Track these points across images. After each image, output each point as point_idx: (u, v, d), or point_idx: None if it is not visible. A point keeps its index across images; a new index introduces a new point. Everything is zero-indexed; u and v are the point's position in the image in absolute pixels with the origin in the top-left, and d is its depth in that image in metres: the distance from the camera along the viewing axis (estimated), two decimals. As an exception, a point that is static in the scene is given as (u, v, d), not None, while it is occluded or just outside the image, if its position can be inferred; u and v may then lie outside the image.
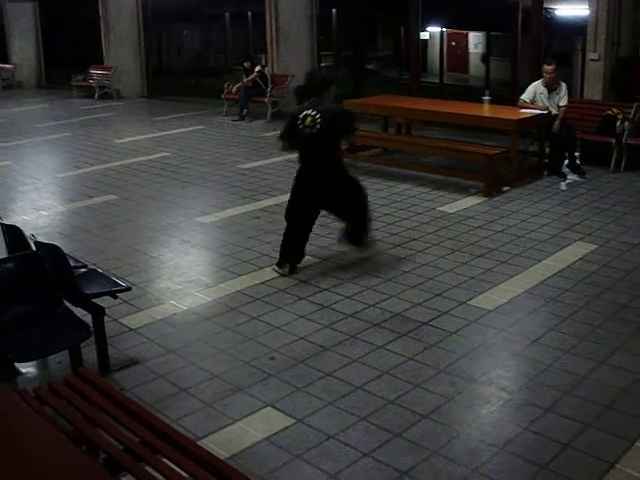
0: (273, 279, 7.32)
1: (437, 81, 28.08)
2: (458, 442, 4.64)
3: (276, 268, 7.54)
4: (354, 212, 7.73)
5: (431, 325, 6.26)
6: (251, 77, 17.36)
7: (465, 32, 30.09)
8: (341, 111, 8.19)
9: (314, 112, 7.25)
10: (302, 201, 7.56)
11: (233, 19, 31.22)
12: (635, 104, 12.13)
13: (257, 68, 17.52)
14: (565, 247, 8.09)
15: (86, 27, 26.36)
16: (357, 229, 7.79)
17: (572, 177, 11.20)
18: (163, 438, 3.65)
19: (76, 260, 6.39)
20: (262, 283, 7.23)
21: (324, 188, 7.44)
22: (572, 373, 5.46)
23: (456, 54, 30.78)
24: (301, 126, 7.32)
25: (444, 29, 29.85)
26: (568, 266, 7.53)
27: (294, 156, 12.44)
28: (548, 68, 11.49)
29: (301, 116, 7.34)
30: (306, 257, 7.75)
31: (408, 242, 8.34)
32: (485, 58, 26.94)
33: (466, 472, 4.35)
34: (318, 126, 7.23)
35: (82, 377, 4.29)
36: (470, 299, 6.76)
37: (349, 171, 7.86)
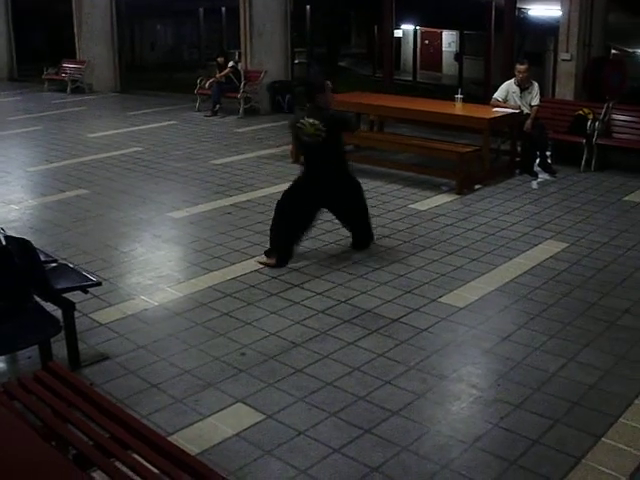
0: (244, 275, 7.31)
1: (410, 79, 28.16)
2: (428, 438, 4.66)
3: (263, 258, 7.61)
4: (356, 214, 8.04)
5: (402, 322, 6.28)
6: (224, 72, 17.32)
7: (439, 31, 30.22)
8: (341, 117, 8.09)
9: (313, 120, 7.35)
10: (303, 201, 7.63)
11: (207, 14, 31.13)
12: (606, 105, 12.25)
13: (230, 64, 17.49)
14: (536, 245, 8.15)
15: (59, 20, 26.16)
16: (363, 234, 8.09)
17: (543, 176, 11.27)
18: (133, 434, 3.64)
19: (46, 255, 6.36)
20: (233, 279, 7.22)
21: (328, 192, 7.65)
22: (542, 370, 5.50)
23: (430, 52, 30.91)
24: (301, 134, 7.53)
25: (418, 27, 29.96)
26: (539, 264, 7.58)
27: (266, 152, 12.57)
28: (520, 67, 11.56)
29: (298, 124, 7.50)
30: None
31: (379, 239, 8.35)
32: (458, 57, 27.07)
33: (436, 468, 4.37)
34: (323, 134, 7.34)
35: (52, 372, 4.26)
36: (441, 296, 6.79)
37: (352, 173, 8.04)
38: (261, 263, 7.57)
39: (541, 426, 4.78)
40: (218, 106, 17.35)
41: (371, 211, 9.09)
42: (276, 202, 7.81)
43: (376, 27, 26.42)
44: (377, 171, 11.48)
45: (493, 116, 11.08)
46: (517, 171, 11.45)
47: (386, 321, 6.29)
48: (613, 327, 6.26)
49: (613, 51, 27.51)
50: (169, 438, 4.27)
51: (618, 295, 6.94)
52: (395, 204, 9.77)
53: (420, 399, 5.11)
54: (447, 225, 8.81)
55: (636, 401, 5.10)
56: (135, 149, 13.45)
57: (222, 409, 4.98)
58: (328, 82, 7.89)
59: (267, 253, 7.62)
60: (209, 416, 4.90)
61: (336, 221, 8.23)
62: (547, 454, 4.50)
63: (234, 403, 5.05)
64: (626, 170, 11.90)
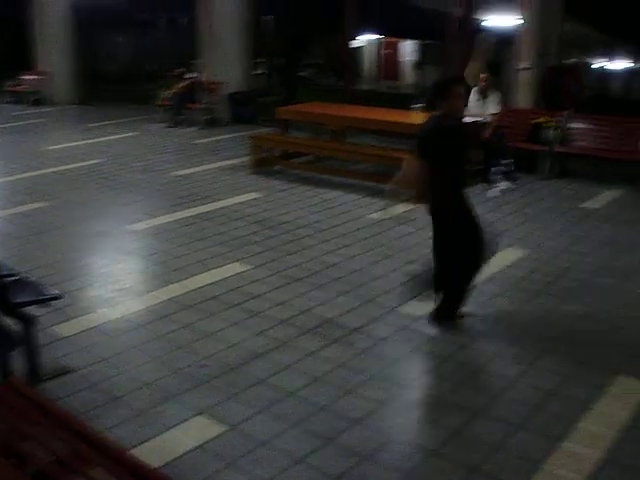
0: (205, 286, 7.30)
1: (372, 88, 28.23)
2: (390, 447, 4.68)
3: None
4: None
5: (362, 331, 6.30)
6: (185, 84, 17.30)
7: (400, 40, 30.34)
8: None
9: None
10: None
11: (168, 25, 31.00)
12: (564, 113, 12.41)
13: (191, 75, 17.47)
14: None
15: (19, 31, 25.92)
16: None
17: (503, 184, 11.36)
18: (95, 448, 3.62)
19: (5, 268, 6.30)
20: (194, 291, 7.21)
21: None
22: (502, 376, 5.56)
23: (391, 62, 31.01)
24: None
25: (380, 37, 30.05)
26: (499, 271, 7.64)
27: (226, 163, 12.56)
28: (482, 76, 11.68)
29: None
30: (236, 264, 7.81)
31: (340, 249, 8.38)
32: (419, 66, 27.21)
33: (397, 476, 4.39)
34: None
35: (11, 387, 4.22)
36: (400, 305, 6.82)
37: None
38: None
39: (502, 432, 4.83)
40: (179, 117, 17.31)
41: (331, 221, 9.19)
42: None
43: (336, 37, 26.49)
44: (338, 181, 11.52)
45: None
46: (477, 179, 11.52)
47: (346, 331, 6.31)
48: (572, 333, 6.36)
49: (570, 60, 27.84)
50: (131, 451, 4.27)
51: (577, 301, 7.04)
52: (355, 214, 9.81)
53: (381, 408, 5.13)
54: (407, 234, 8.85)
55: (594, 405, 5.17)
56: (95, 161, 13.37)
57: (184, 421, 4.97)
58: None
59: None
60: (171, 428, 4.89)
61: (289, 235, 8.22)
62: (508, 460, 4.54)
63: (196, 415, 5.04)
64: (584, 177, 12.07)
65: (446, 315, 6.45)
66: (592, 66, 31.26)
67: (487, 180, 11.47)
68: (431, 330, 6.31)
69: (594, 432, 4.86)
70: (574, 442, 4.73)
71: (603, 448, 4.68)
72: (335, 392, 5.31)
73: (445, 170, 6.26)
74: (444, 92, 6.25)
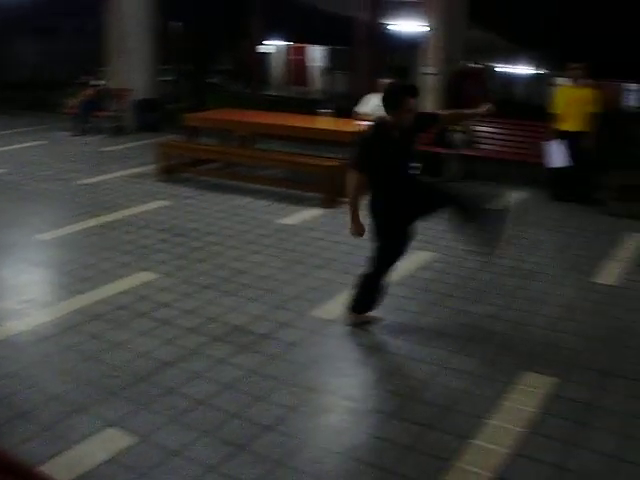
0: (112, 296, 7.18)
1: (281, 94, 28.29)
2: (303, 452, 4.67)
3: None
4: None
5: (272, 337, 6.28)
6: (91, 91, 17.06)
7: (308, 46, 30.49)
8: None
9: None
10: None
11: (75, 32, 30.56)
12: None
13: (97, 82, 17.25)
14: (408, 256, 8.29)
15: None
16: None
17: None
18: (1, 467, 3.54)
19: None
20: (102, 301, 7.08)
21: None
22: (414, 378, 5.62)
23: (300, 67, 31.14)
24: None
25: (288, 43, 30.16)
26: (409, 275, 7.73)
27: (133, 171, 12.42)
28: (383, 82, 11.79)
29: None
30: (144, 273, 7.75)
31: (248, 255, 8.36)
32: (327, 71, 27.38)
33: (311, 481, 4.40)
34: None
35: None
36: (310, 310, 6.84)
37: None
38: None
39: (415, 433, 4.87)
40: (86, 125, 17.04)
41: (240, 227, 9.18)
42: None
43: (245, 43, 26.47)
44: (246, 187, 11.52)
45: (358, 129, 11.23)
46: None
47: (256, 337, 6.29)
48: (480, 332, 6.49)
49: (474, 65, 28.31)
50: (41, 467, 4.19)
51: (485, 301, 7.19)
52: (264, 219, 9.81)
53: (293, 413, 5.12)
54: (315, 239, 8.89)
55: (503, 401, 5.28)
56: (0, 171, 13.08)
57: (95, 433, 4.87)
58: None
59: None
60: (82, 441, 4.78)
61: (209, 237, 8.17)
62: (421, 460, 4.58)
63: (107, 427, 4.95)
64: (489, 180, 12.30)
65: (359, 310, 6.52)
66: (497, 71, 31.89)
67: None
68: (341, 334, 6.34)
69: (503, 428, 4.95)
70: (484, 439, 4.81)
71: (511, 443, 4.77)
72: (246, 399, 5.28)
73: (382, 179, 6.24)
74: (396, 102, 6.06)
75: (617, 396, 5.48)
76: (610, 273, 8.20)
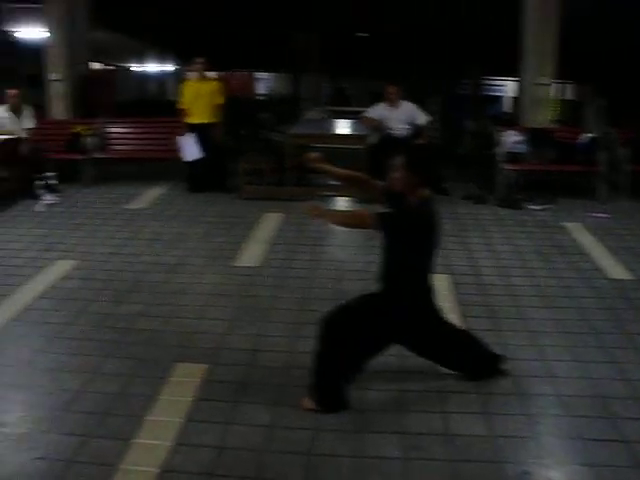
0: None
1: None
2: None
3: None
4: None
5: None
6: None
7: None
8: None
9: None
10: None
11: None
12: (98, 120, 12.65)
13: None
14: (46, 267, 8.13)
15: None
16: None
17: (47, 197, 11.25)
18: None
19: None
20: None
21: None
22: (67, 390, 5.49)
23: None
24: None
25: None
26: (51, 286, 7.58)
27: None
28: (12, 92, 11.52)
29: None
30: None
31: None
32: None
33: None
34: None
35: None
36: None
37: None
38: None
39: (74, 445, 4.78)
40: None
41: None
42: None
43: None
44: None
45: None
46: (19, 196, 11.30)
47: None
48: (129, 332, 6.50)
49: (107, 67, 28.17)
50: None
51: (131, 301, 7.22)
52: None
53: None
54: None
55: (159, 397, 5.36)
56: None
57: None
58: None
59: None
60: None
61: None
62: (85, 470, 4.52)
63: None
64: (127, 180, 12.40)
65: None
66: (131, 71, 31.92)
67: (31, 196, 11.29)
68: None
69: (162, 422, 5.03)
70: (145, 436, 4.86)
71: (172, 435, 4.87)
72: None
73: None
74: None
75: (264, 370, 5.79)
76: (250, 255, 8.56)
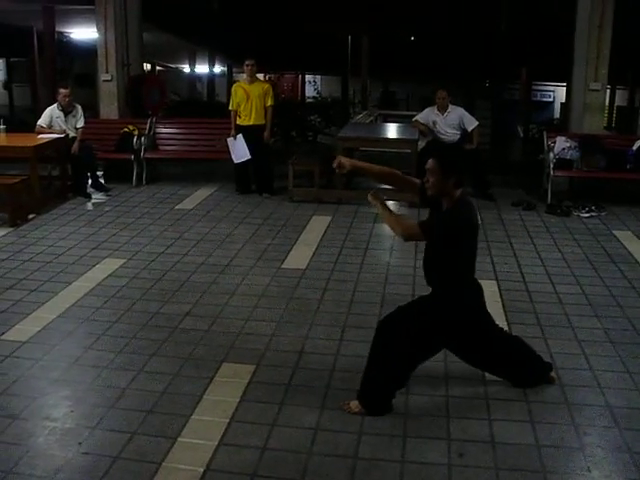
0: None
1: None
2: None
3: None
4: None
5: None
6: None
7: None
8: None
9: None
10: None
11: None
12: (149, 120, 12.71)
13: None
14: (94, 266, 8.21)
15: None
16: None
17: (97, 196, 11.37)
18: None
19: None
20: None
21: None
22: (113, 387, 5.55)
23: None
24: None
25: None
26: (99, 284, 7.65)
27: None
28: (64, 91, 11.60)
29: None
30: None
31: None
32: (6, 85, 26.33)
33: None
34: None
35: None
36: (3, 333, 6.55)
37: None
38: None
39: (119, 441, 4.82)
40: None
41: None
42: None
43: None
44: None
45: (38, 143, 10.96)
46: (70, 195, 11.42)
47: None
48: (175, 332, 6.54)
49: (158, 68, 28.37)
50: None
51: (177, 301, 7.26)
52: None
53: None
54: (2, 260, 8.53)
55: (204, 396, 5.38)
56: None
57: None
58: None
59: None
60: None
61: None
62: (129, 466, 4.55)
63: None
64: (176, 180, 12.44)
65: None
66: (183, 72, 32.16)
67: (82, 194, 11.42)
68: (37, 353, 6.09)
69: (207, 421, 5.04)
70: (190, 435, 4.87)
71: (216, 435, 4.87)
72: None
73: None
74: None
75: (309, 372, 5.79)
76: (298, 257, 8.58)
